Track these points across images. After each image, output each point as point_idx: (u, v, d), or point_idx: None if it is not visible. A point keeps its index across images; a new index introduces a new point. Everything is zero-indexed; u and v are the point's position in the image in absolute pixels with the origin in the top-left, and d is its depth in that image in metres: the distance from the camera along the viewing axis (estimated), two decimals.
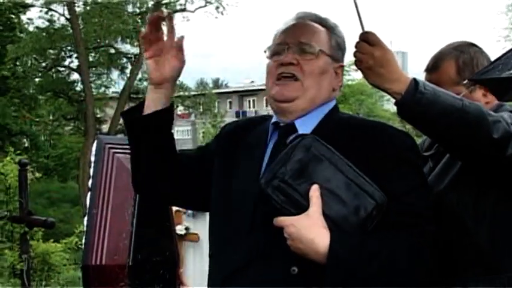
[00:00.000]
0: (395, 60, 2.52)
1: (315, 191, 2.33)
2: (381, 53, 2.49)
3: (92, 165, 3.02)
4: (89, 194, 3.00)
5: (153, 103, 2.67)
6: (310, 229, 2.30)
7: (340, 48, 2.73)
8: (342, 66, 2.72)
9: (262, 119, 2.82)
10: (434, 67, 2.92)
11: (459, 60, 2.87)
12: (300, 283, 2.38)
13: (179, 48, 2.67)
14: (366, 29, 2.55)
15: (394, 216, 2.38)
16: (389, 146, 2.49)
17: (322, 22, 2.72)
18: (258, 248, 2.47)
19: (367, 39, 2.51)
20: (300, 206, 2.33)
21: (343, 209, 2.34)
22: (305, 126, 2.60)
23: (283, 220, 2.34)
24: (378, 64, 2.48)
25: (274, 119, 2.70)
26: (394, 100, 2.51)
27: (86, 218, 2.99)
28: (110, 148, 2.99)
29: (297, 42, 2.62)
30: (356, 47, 2.54)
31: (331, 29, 2.72)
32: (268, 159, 2.59)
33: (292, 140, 2.51)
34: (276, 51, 2.67)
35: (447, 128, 2.47)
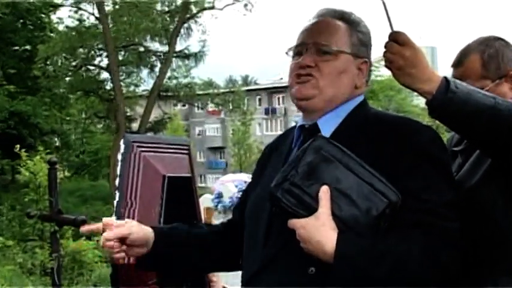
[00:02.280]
0: (425, 59, 2.48)
1: (324, 192, 2.31)
2: (411, 52, 2.45)
3: (119, 164, 3.02)
4: (116, 192, 3.01)
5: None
6: (318, 231, 2.29)
7: (364, 44, 2.67)
8: (367, 62, 2.67)
9: (292, 128, 2.82)
10: (459, 62, 2.89)
11: (484, 54, 2.84)
12: (318, 283, 2.36)
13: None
14: (395, 28, 2.52)
15: (409, 214, 2.34)
16: (409, 140, 2.45)
17: (345, 18, 2.68)
18: (275, 250, 2.48)
19: (396, 39, 2.47)
20: (310, 208, 2.32)
21: (354, 210, 2.32)
22: (327, 125, 2.58)
23: (294, 222, 2.34)
24: (408, 64, 2.45)
25: (300, 122, 2.69)
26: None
27: (114, 217, 2.99)
28: (137, 147, 2.99)
29: (315, 43, 2.60)
30: (385, 47, 2.49)
31: (353, 24, 2.67)
32: None
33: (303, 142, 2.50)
34: (296, 51, 2.66)
35: (479, 126, 2.43)
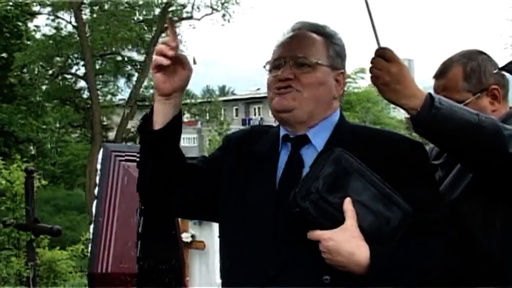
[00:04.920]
0: (411, 76, 2.52)
1: (348, 204, 2.36)
2: (397, 69, 2.49)
3: (98, 173, 3.01)
4: (95, 202, 3.00)
5: (163, 115, 2.61)
6: (350, 242, 2.33)
7: (339, 55, 2.71)
8: (343, 73, 2.70)
9: (265, 129, 2.83)
10: (441, 73, 2.92)
11: (467, 67, 2.87)
12: None
13: (183, 57, 2.62)
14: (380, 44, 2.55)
15: (420, 226, 2.41)
16: (406, 156, 2.52)
17: (320, 31, 2.71)
18: (285, 258, 2.47)
19: (383, 55, 2.51)
20: (335, 220, 2.36)
21: (375, 221, 2.38)
22: (318, 137, 2.61)
23: (320, 234, 2.36)
24: (394, 80, 2.48)
25: (283, 132, 2.69)
26: (397, 107, 2.53)
27: (92, 226, 2.99)
28: (116, 156, 2.99)
29: (294, 56, 2.62)
30: (372, 63, 2.54)
31: (329, 37, 2.71)
32: (284, 171, 2.59)
33: (320, 153, 2.52)
34: (274, 65, 2.67)
35: (463, 143, 2.47)
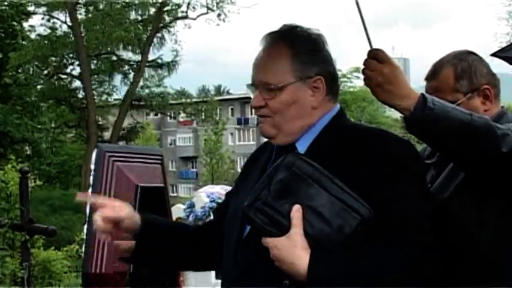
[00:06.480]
0: (404, 76, 2.51)
1: (296, 211, 2.31)
2: (389, 69, 2.47)
3: (92, 173, 3.01)
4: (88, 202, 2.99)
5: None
6: (290, 251, 2.29)
7: (311, 61, 2.59)
8: (320, 79, 2.58)
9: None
10: (433, 75, 2.92)
11: (457, 67, 2.87)
12: None
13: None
14: (372, 44, 2.54)
15: (386, 226, 2.34)
16: (386, 154, 2.46)
17: (288, 38, 2.62)
18: (249, 261, 2.49)
19: (375, 57, 2.50)
20: (283, 227, 2.32)
21: (326, 228, 2.31)
22: (304, 142, 2.57)
23: (268, 241, 2.34)
24: (387, 81, 2.47)
25: None
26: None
27: (85, 226, 2.98)
28: (110, 156, 2.98)
29: (260, 82, 2.59)
30: (364, 64, 2.52)
31: (296, 45, 2.60)
32: None
33: (274, 160, 2.50)
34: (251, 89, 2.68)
35: (456, 143, 2.46)
